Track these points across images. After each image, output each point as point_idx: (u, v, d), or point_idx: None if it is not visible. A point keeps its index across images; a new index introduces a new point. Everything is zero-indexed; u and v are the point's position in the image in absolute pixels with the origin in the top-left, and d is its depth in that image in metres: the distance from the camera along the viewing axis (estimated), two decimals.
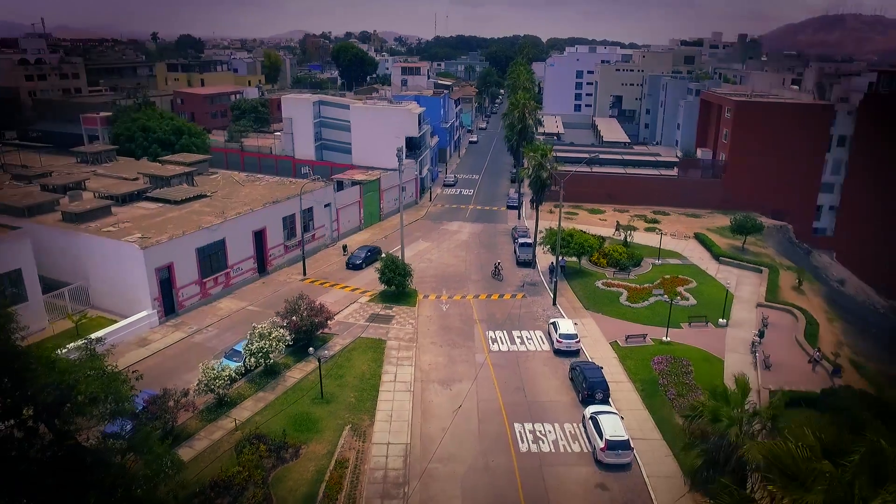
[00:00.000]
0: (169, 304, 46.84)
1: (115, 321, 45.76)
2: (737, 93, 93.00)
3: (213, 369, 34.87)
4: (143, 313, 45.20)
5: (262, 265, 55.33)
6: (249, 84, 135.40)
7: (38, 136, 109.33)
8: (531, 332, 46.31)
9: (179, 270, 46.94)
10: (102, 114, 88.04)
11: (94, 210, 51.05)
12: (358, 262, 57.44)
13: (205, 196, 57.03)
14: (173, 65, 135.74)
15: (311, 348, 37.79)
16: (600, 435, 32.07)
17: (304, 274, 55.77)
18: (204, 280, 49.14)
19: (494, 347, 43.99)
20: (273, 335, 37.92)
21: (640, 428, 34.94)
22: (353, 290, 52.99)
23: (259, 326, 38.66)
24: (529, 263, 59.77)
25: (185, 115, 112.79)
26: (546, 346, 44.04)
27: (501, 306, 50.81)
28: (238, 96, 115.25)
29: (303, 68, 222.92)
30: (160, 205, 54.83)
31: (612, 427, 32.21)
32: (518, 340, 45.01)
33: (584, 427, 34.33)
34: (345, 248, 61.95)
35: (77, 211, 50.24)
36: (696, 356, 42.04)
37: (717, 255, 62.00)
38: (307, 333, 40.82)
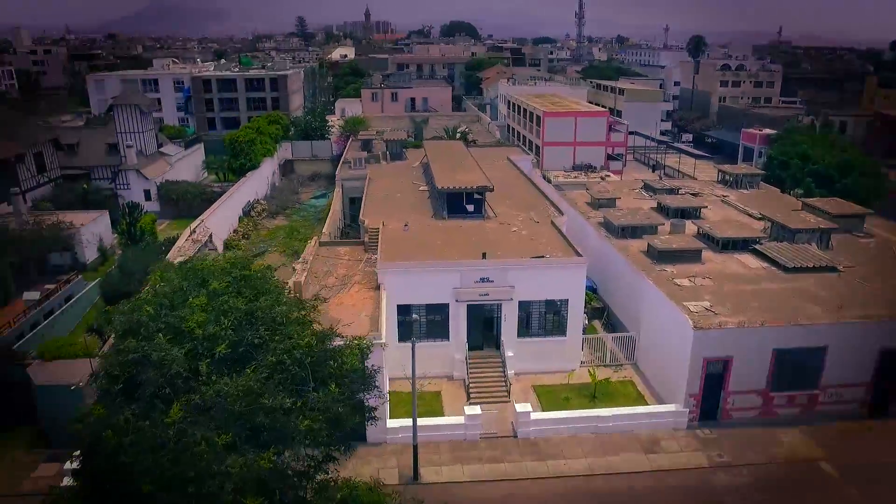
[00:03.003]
0: (710, 408, 34.01)
1: (642, 399, 36.07)
2: None
3: None
4: (671, 407, 33.86)
5: (883, 399, 35.88)
6: None
7: (712, 143, 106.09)
8: None
9: (739, 370, 33.29)
10: (765, 130, 76.54)
11: (680, 252, 41.33)
12: None
13: (832, 269, 40.25)
14: (890, 79, 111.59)
15: None
16: None
17: None
18: (772, 393, 34.06)
19: None
20: None
21: None
22: None
23: None
24: None
25: (880, 144, 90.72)
26: None
27: None
28: None
29: None
30: (765, 265, 41.08)
31: None
32: None
33: None
34: None
35: (659, 247, 41.47)
36: None
37: None
38: None
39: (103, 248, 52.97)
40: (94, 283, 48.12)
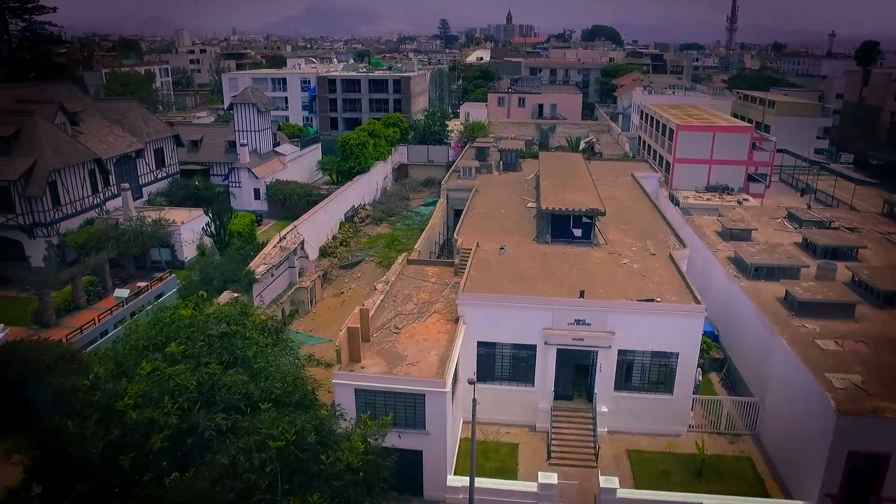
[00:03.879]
0: None
1: (761, 486, 29.50)
2: None
3: None
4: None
5: None
6: None
7: (878, 166, 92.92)
8: None
9: None
10: None
11: (826, 304, 33.95)
12: None
13: None
14: None
15: None
16: None
17: None
18: None
19: None
20: None
21: None
22: None
23: None
24: None
25: None
26: None
27: None
28: None
29: None
30: None
31: None
32: None
33: None
34: None
35: (800, 297, 34.38)
36: None
37: None
38: None
39: (203, 246, 52.72)
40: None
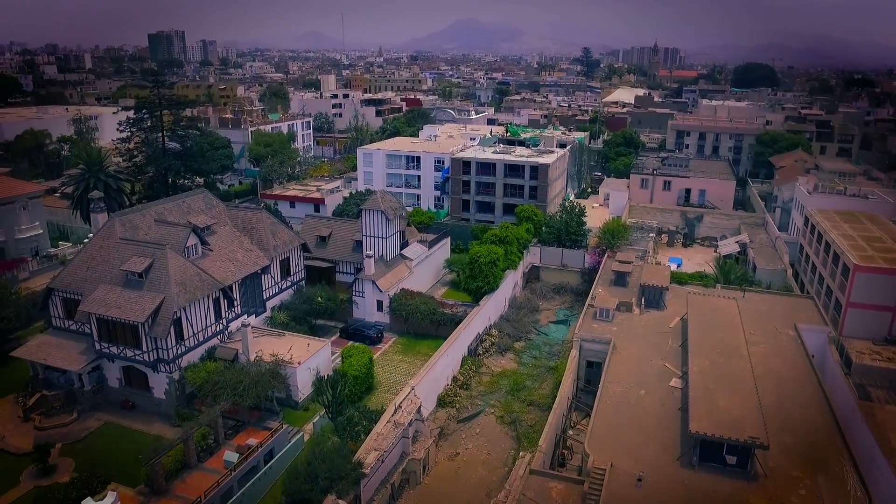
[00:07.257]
0: None
1: None
2: None
3: None
4: None
5: None
6: None
7: None
8: None
9: None
10: None
11: None
12: None
13: None
14: None
15: None
16: None
17: None
18: None
19: None
20: None
21: None
22: None
23: None
24: None
25: None
26: None
27: None
28: None
29: None
30: None
31: None
32: None
33: None
34: None
35: None
36: None
37: None
38: None
39: (318, 381, 50.62)
40: (297, 436, 45.91)
